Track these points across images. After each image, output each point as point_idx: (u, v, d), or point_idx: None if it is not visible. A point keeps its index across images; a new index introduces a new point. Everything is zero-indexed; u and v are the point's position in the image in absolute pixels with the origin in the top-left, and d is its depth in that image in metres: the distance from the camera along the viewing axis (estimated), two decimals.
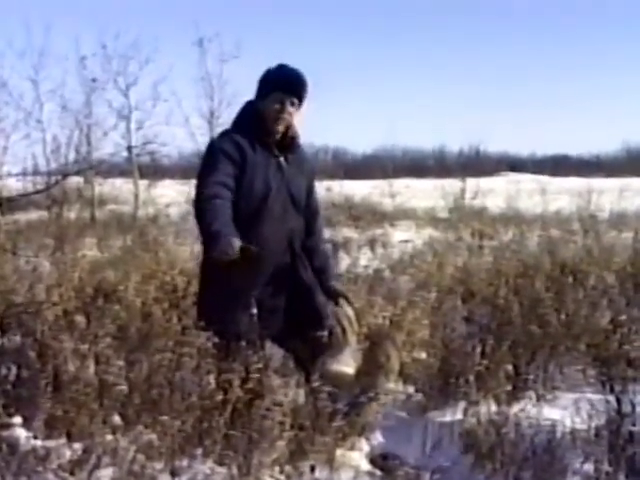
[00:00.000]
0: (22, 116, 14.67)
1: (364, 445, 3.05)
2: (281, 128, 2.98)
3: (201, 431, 2.69)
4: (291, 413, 2.74)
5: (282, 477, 2.65)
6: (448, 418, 3.27)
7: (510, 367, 3.55)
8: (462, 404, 3.31)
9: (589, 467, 2.69)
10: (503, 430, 2.88)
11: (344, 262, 6.38)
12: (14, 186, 13.78)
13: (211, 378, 2.80)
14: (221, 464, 2.62)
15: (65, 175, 11.67)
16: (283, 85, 2.95)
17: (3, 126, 14.52)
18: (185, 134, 16.54)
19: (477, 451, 2.87)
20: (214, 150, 2.92)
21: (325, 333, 2.98)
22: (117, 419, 2.78)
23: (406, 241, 10.11)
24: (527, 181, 24.47)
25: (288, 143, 3.02)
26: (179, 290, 4.50)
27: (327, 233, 5.10)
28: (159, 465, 2.55)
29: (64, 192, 12.61)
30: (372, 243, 9.75)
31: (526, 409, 3.26)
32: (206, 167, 2.89)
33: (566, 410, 3.24)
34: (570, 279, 4.68)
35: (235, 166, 2.86)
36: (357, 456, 2.96)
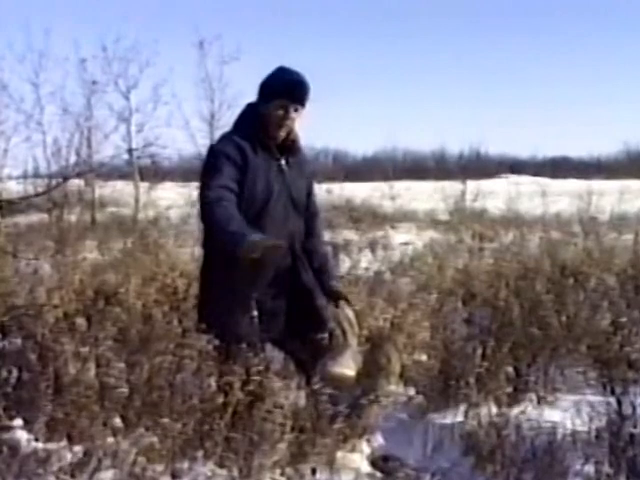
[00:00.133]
0: (22, 119, 14.69)
1: (365, 447, 3.05)
2: (283, 133, 2.98)
3: (202, 433, 2.69)
4: (292, 415, 2.74)
5: (283, 479, 2.65)
6: (449, 420, 3.27)
7: (511, 369, 3.55)
8: (463, 406, 3.31)
9: (590, 469, 2.69)
10: (504, 432, 2.89)
11: (345, 264, 6.38)
12: (15, 189, 13.78)
13: (212, 380, 2.80)
14: (222, 466, 2.62)
15: (66, 178, 11.65)
16: (287, 92, 2.94)
17: (3, 129, 14.55)
18: (185, 136, 16.54)
19: (478, 453, 2.88)
20: (216, 153, 2.92)
21: (325, 335, 2.98)
22: (118, 421, 2.78)
23: (406, 243, 10.12)
24: (527, 183, 24.48)
25: (289, 146, 3.02)
26: (180, 292, 4.50)
27: (327, 235, 5.10)
28: (160, 467, 2.55)
29: (65, 195, 12.62)
30: (373, 245, 9.76)
31: (527, 411, 3.27)
32: (209, 170, 2.87)
33: (567, 412, 3.25)
34: (571, 281, 4.67)
35: (237, 169, 2.86)
36: (358, 458, 2.96)
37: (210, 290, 3.00)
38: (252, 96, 3.06)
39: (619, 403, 2.98)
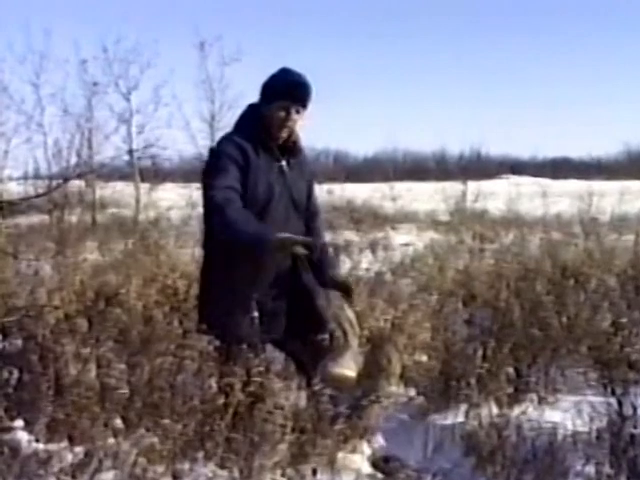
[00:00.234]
0: (23, 120, 14.74)
1: (365, 448, 3.05)
2: (285, 134, 2.98)
3: (202, 434, 2.69)
4: (292, 416, 2.74)
5: None
6: (449, 421, 3.27)
7: (511, 370, 3.55)
8: (463, 407, 3.32)
9: (590, 469, 2.69)
10: (504, 433, 2.89)
11: (345, 265, 6.38)
12: (15, 190, 13.79)
13: (212, 381, 2.80)
14: (223, 467, 2.62)
15: (66, 179, 11.67)
16: (289, 94, 2.93)
17: (4, 130, 14.59)
18: (186, 137, 16.62)
19: (478, 454, 2.88)
20: (220, 153, 2.90)
21: (326, 336, 2.98)
22: (119, 422, 2.78)
23: (407, 244, 10.11)
24: (528, 184, 24.47)
25: (290, 147, 3.02)
26: (180, 293, 4.51)
27: (328, 236, 5.10)
28: (161, 468, 2.55)
29: (65, 196, 12.63)
30: (373, 246, 9.75)
31: (527, 412, 3.27)
32: (214, 170, 2.86)
33: (567, 413, 3.24)
34: (571, 282, 4.67)
35: (240, 170, 2.85)
36: (359, 459, 2.96)
37: (210, 291, 3.00)
38: (253, 97, 3.07)
39: (620, 404, 2.98)
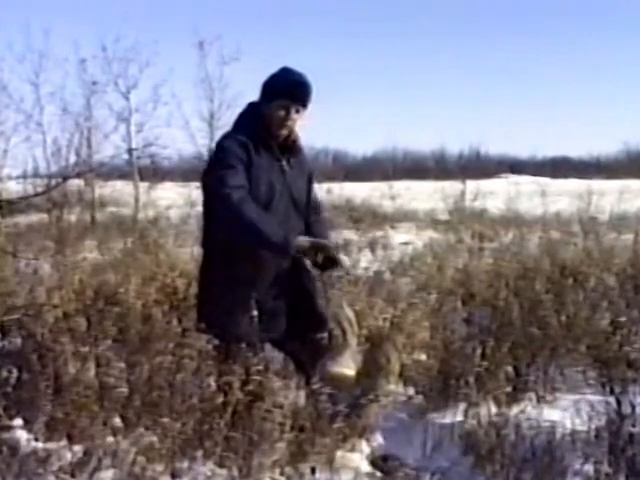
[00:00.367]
0: (22, 119, 14.74)
1: (364, 447, 3.05)
2: (284, 133, 2.97)
3: (202, 433, 2.69)
4: (291, 415, 2.74)
5: (282, 479, 2.65)
6: (448, 420, 3.27)
7: (510, 369, 3.55)
8: (462, 406, 3.32)
9: (589, 468, 2.69)
10: (503, 431, 2.89)
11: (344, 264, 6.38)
12: (14, 189, 13.79)
13: (211, 380, 2.80)
14: (222, 466, 2.63)
15: (65, 178, 11.64)
16: (289, 93, 2.93)
17: (3, 129, 14.59)
18: (185, 136, 16.56)
19: (477, 452, 2.88)
20: (226, 151, 2.87)
21: (325, 335, 2.98)
22: (118, 421, 2.78)
23: (406, 243, 10.11)
24: (527, 183, 24.48)
25: (290, 146, 3.02)
26: (179, 292, 4.51)
27: None
28: (160, 467, 2.55)
29: (64, 195, 12.61)
30: (372, 245, 9.75)
31: (526, 410, 3.27)
32: (223, 168, 2.82)
33: (566, 411, 3.25)
34: (570, 281, 4.68)
35: (245, 169, 2.85)
36: (357, 458, 2.96)
37: (210, 290, 3.00)
38: (252, 96, 3.07)
39: (618, 402, 2.98)
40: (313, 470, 2.73)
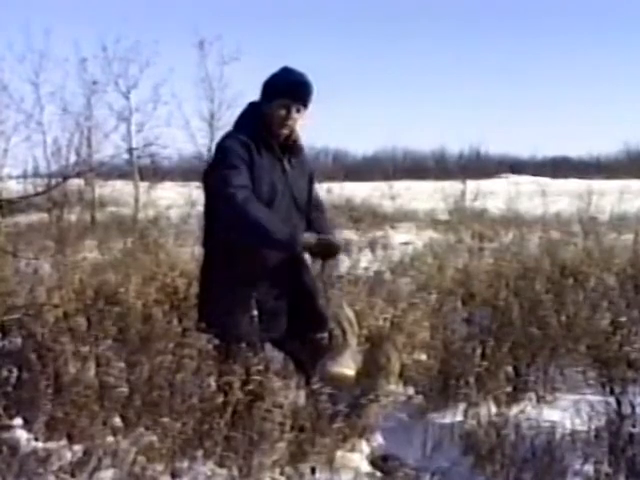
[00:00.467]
0: (23, 118, 14.73)
1: (364, 447, 3.05)
2: (285, 133, 2.97)
3: (202, 433, 2.69)
4: (291, 415, 2.75)
5: (282, 478, 2.66)
6: (448, 420, 3.27)
7: (510, 369, 3.55)
8: (462, 406, 3.32)
9: (589, 468, 2.69)
10: (503, 431, 2.89)
11: (344, 264, 6.38)
12: (14, 188, 13.80)
13: (211, 380, 2.80)
14: (222, 466, 2.63)
15: (65, 177, 11.64)
16: (290, 92, 2.93)
17: (4, 128, 14.59)
18: (185, 136, 16.54)
19: (477, 452, 2.88)
20: (228, 151, 2.87)
21: (325, 335, 2.98)
22: (118, 421, 2.78)
23: (406, 243, 10.11)
24: (527, 183, 24.48)
25: (291, 146, 3.01)
26: (180, 292, 4.50)
27: None
28: (160, 467, 2.55)
29: (64, 194, 12.62)
30: (372, 245, 9.75)
31: (526, 410, 3.27)
32: (226, 168, 2.81)
33: (566, 411, 3.25)
34: (570, 281, 4.67)
35: (248, 168, 2.84)
36: (357, 458, 2.96)
37: (210, 289, 3.00)
38: (252, 96, 3.06)
39: (618, 403, 2.99)
40: (313, 470, 2.73)
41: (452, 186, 17.71)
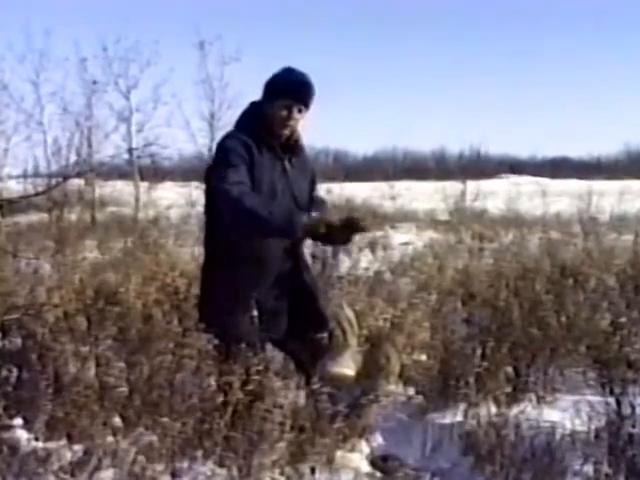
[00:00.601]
0: (23, 118, 14.79)
1: (364, 447, 3.06)
2: (286, 133, 2.97)
3: (201, 433, 2.69)
4: (291, 415, 2.75)
5: (282, 478, 2.66)
6: (448, 420, 3.27)
7: (510, 369, 3.55)
8: (462, 406, 3.31)
9: (589, 469, 2.70)
10: (503, 432, 2.89)
11: (344, 264, 6.38)
12: (15, 188, 13.83)
13: (211, 380, 2.80)
14: (221, 465, 2.63)
15: (66, 177, 11.65)
16: (291, 92, 2.92)
17: (4, 128, 14.63)
18: (186, 136, 16.61)
19: (477, 453, 2.88)
20: (228, 150, 2.87)
21: (325, 335, 2.98)
22: (118, 421, 2.79)
23: (406, 243, 10.12)
24: (527, 183, 24.53)
25: (292, 146, 3.01)
26: (180, 292, 4.50)
27: None
28: (160, 467, 2.55)
29: (65, 194, 12.63)
30: (373, 245, 9.74)
31: (526, 411, 3.27)
32: (224, 167, 2.81)
33: (566, 412, 3.25)
34: (570, 281, 4.67)
35: (247, 168, 2.84)
36: (357, 458, 2.96)
37: (211, 289, 3.00)
38: (252, 97, 3.06)
39: (618, 403, 2.98)
40: (313, 470, 2.74)
41: (452, 186, 17.75)
